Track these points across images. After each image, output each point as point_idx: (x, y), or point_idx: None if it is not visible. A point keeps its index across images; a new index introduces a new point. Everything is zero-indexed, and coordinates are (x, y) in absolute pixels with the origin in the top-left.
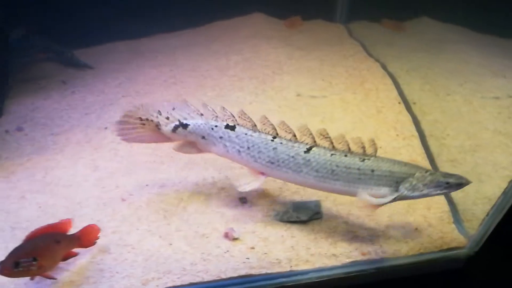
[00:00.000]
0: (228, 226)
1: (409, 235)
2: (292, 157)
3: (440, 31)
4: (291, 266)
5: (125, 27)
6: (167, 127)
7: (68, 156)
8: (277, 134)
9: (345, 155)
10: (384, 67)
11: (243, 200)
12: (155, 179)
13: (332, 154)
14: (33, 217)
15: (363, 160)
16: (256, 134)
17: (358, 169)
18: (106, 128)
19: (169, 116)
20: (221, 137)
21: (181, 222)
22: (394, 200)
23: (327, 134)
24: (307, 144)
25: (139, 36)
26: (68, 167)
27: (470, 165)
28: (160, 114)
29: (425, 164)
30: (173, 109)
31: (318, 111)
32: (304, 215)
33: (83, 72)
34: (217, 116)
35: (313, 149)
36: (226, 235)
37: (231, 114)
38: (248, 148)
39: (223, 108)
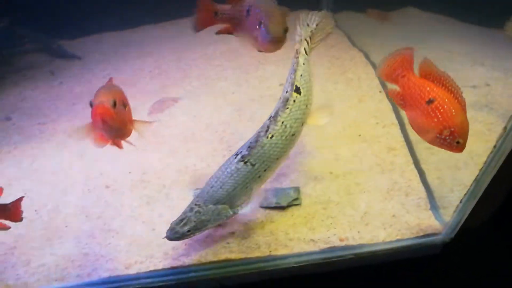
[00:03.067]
0: None
1: (386, 222)
2: None
3: (425, 21)
4: (270, 251)
5: (112, 19)
6: None
7: (54, 144)
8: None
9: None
10: (367, 56)
11: None
12: (138, 167)
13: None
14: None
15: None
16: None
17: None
18: None
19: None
20: None
21: (163, 208)
22: None
23: None
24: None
25: (125, 28)
26: (54, 155)
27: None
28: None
29: (404, 152)
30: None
31: None
32: (283, 201)
33: (71, 62)
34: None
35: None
36: None
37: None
38: None
39: None
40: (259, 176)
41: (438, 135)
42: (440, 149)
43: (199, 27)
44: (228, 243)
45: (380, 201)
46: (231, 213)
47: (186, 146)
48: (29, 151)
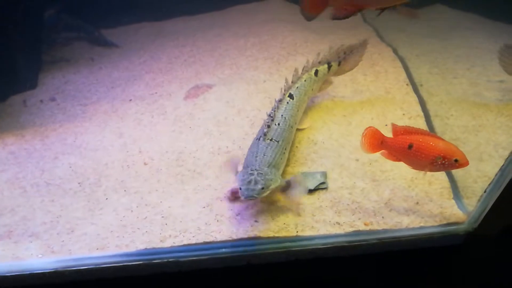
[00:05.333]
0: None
1: (410, 209)
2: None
3: (453, 18)
4: (297, 231)
5: (150, 10)
6: None
7: (95, 123)
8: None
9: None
10: (395, 51)
11: None
12: (174, 147)
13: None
14: (65, 175)
15: (269, 140)
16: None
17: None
18: (130, 100)
19: None
20: None
21: (197, 185)
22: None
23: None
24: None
25: (162, 19)
26: (95, 133)
27: (472, 145)
28: None
29: None
30: None
31: (330, 90)
32: (311, 184)
33: (110, 50)
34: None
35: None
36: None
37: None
38: None
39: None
40: (283, 153)
41: (434, 163)
42: (465, 141)
43: (311, 13)
44: (256, 221)
45: (404, 188)
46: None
47: (219, 129)
48: (73, 129)
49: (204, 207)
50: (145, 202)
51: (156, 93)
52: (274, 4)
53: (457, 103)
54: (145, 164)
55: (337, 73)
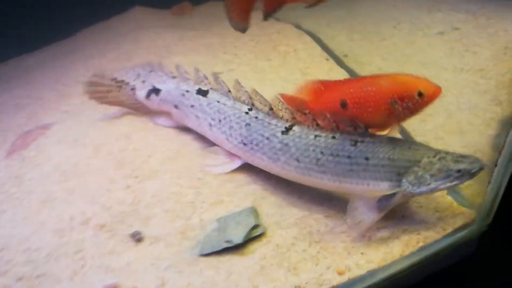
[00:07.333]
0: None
1: (396, 228)
2: (267, 138)
3: None
4: None
5: None
6: (141, 92)
7: None
8: (253, 104)
9: (333, 137)
10: (298, 26)
11: (137, 236)
12: None
13: (316, 136)
14: None
15: (355, 143)
16: (229, 102)
17: (349, 156)
18: None
19: (145, 79)
20: (192, 106)
21: None
22: (394, 203)
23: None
24: (286, 120)
25: None
26: None
27: (442, 116)
28: (138, 78)
29: None
30: (150, 71)
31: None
32: (237, 236)
33: None
34: (188, 79)
35: (294, 128)
36: None
37: (205, 76)
38: (220, 121)
39: (197, 69)
40: None
41: (393, 112)
42: (431, 113)
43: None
44: None
45: None
46: None
47: (66, 187)
48: None
49: None
50: None
51: None
52: (136, 14)
53: (400, 66)
54: None
55: None
